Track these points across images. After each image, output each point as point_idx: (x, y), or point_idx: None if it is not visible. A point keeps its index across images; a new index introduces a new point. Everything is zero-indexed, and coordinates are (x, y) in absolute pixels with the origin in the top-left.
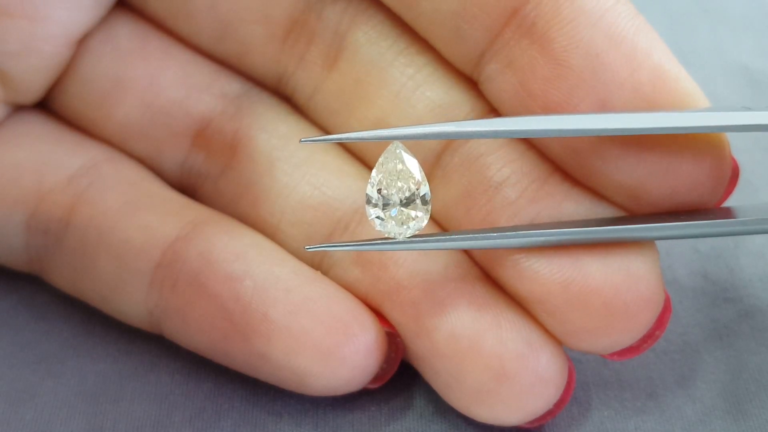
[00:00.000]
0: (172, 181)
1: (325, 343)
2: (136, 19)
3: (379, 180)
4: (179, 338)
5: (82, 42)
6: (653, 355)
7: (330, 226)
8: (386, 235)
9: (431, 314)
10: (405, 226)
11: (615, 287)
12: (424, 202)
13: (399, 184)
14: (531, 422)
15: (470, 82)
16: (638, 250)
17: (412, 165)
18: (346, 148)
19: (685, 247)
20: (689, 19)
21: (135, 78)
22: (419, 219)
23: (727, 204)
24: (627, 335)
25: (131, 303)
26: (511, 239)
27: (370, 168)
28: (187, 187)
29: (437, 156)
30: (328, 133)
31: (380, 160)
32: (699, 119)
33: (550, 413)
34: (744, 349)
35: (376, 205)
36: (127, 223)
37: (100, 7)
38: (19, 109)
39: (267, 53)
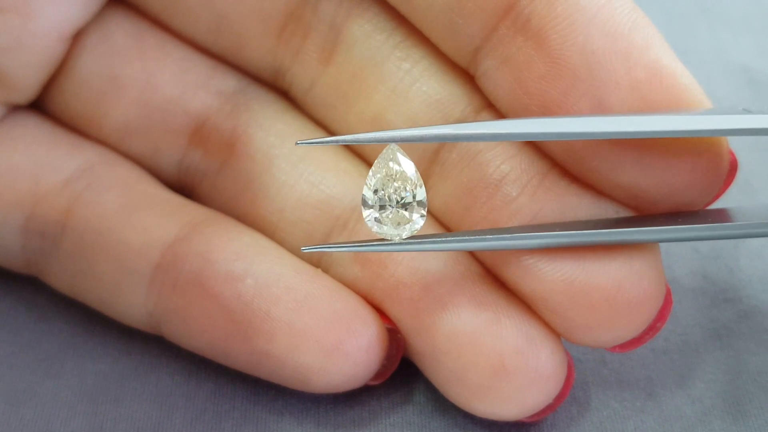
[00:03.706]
0: (169, 180)
1: (327, 339)
2: (131, 15)
3: (376, 182)
4: (180, 339)
5: (77, 39)
6: (653, 355)
7: (329, 224)
8: (382, 237)
9: (431, 312)
10: (401, 228)
11: (618, 284)
12: (420, 204)
13: (395, 186)
14: (531, 417)
15: (467, 75)
16: (640, 247)
17: (408, 167)
18: (343, 145)
19: (684, 247)
20: (689, 19)
21: (131, 76)
22: (415, 221)
23: (726, 204)
24: (630, 330)
25: (131, 305)
26: (508, 241)
27: (367, 165)
28: (185, 185)
29: (435, 152)
30: (325, 129)
31: (376, 162)
32: (697, 122)
33: (549, 408)
34: (743, 349)
35: (372, 207)
36: (125, 225)
37: (92, 2)
38: (14, 110)
39: (263, 47)
